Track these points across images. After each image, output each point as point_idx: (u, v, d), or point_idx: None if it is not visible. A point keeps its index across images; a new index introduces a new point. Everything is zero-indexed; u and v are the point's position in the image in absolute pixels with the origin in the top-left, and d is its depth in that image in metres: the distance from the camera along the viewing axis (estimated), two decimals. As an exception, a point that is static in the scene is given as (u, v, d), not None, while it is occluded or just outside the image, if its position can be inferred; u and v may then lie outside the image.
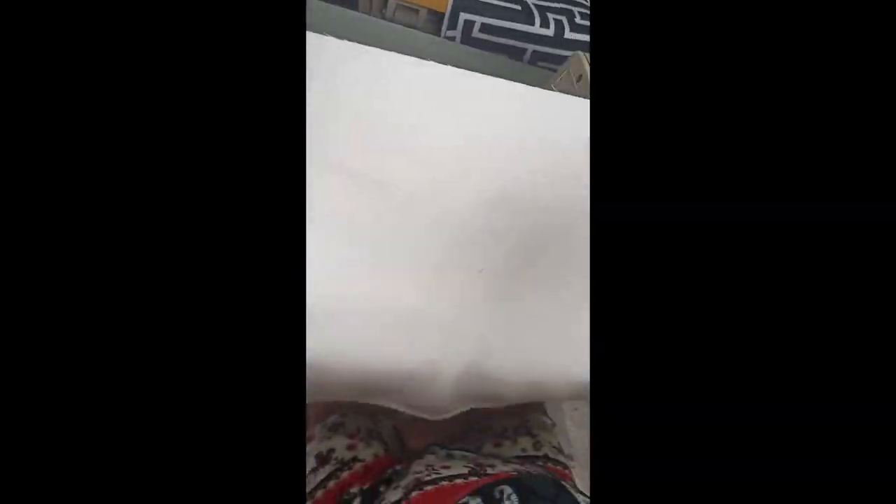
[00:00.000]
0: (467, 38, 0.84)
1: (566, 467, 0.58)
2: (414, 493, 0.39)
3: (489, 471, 0.43)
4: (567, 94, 0.43)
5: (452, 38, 0.84)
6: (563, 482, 0.37)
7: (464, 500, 0.34)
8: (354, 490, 0.47)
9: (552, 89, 0.46)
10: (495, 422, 0.61)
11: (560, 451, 0.60)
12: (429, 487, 0.39)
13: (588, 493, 0.37)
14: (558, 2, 0.89)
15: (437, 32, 0.85)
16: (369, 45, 0.67)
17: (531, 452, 0.57)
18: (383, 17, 0.85)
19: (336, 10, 0.74)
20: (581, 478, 1.25)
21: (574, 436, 1.28)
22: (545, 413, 0.66)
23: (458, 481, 0.40)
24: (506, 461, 0.50)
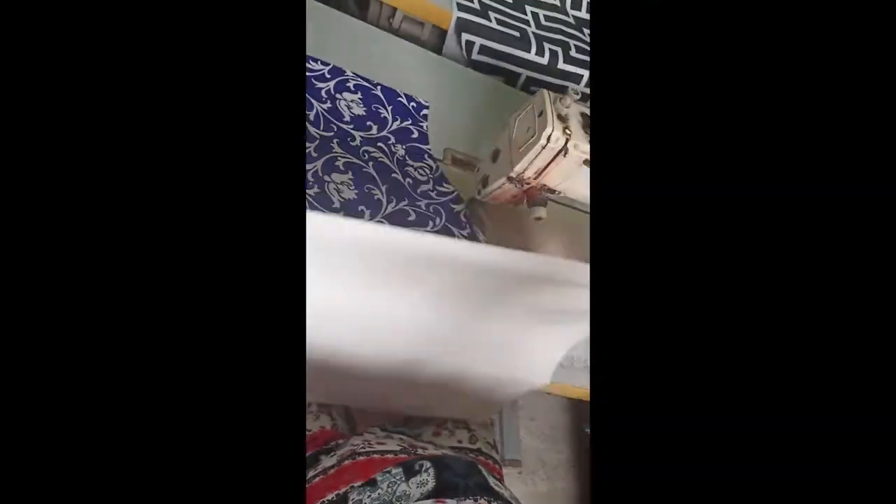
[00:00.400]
0: (467, 59, 0.89)
1: (497, 462, 0.63)
2: (346, 461, 0.44)
3: (419, 451, 0.47)
4: (528, 127, 0.48)
5: (453, 58, 0.89)
6: (481, 467, 0.41)
7: (388, 469, 0.38)
8: (297, 455, 0.52)
9: (516, 119, 0.51)
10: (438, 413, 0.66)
11: (494, 447, 0.64)
12: (361, 458, 0.44)
13: (514, 493, 0.41)
14: (556, 33, 0.94)
15: (440, 46, 0.90)
16: (376, 59, 0.72)
17: (466, 445, 0.62)
18: (390, 27, 0.90)
19: (346, 19, 0.79)
20: (531, 483, 1.28)
21: (527, 444, 1.33)
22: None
23: (389, 456, 0.45)
24: (438, 447, 0.55)
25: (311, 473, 0.45)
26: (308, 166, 0.56)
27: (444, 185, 0.66)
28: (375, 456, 0.45)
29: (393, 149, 0.65)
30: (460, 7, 0.85)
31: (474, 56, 0.89)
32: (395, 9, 0.87)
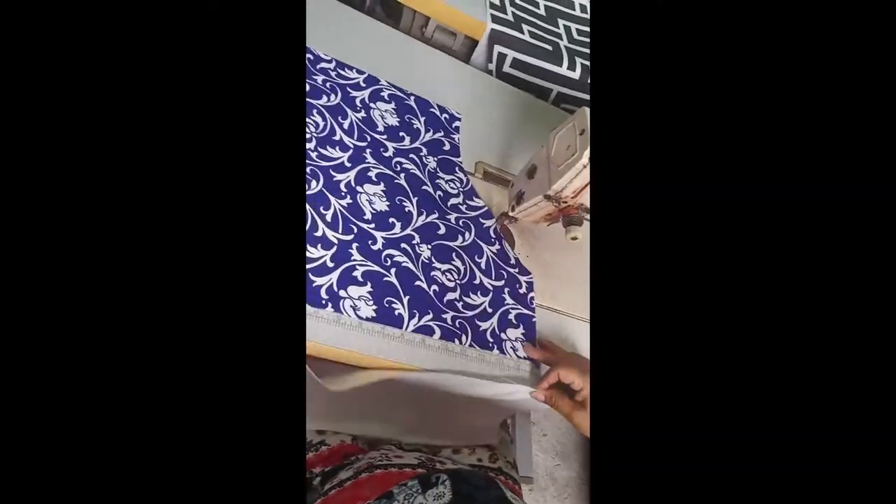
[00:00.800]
0: (498, 72, 0.89)
1: (516, 482, 0.62)
2: (363, 474, 0.43)
3: (437, 466, 0.46)
4: (569, 145, 0.47)
5: (486, 70, 0.88)
6: (500, 484, 0.40)
7: (403, 482, 0.37)
8: (317, 471, 0.51)
9: (555, 136, 0.51)
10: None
11: (513, 466, 0.63)
12: (378, 471, 0.43)
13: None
14: (587, 47, 0.93)
15: (470, 57, 0.90)
16: (408, 69, 0.72)
17: (486, 464, 0.61)
18: (422, 36, 0.90)
19: (381, 27, 0.79)
20: (542, 500, 1.27)
21: (538, 461, 1.31)
22: (507, 430, 0.69)
23: (406, 469, 0.44)
24: (457, 464, 0.54)
25: (327, 486, 0.45)
26: (341, 176, 0.56)
27: (475, 199, 0.65)
28: (393, 469, 0.44)
29: (425, 160, 0.65)
30: (495, 19, 0.85)
31: (505, 69, 0.88)
32: (428, 18, 0.86)
